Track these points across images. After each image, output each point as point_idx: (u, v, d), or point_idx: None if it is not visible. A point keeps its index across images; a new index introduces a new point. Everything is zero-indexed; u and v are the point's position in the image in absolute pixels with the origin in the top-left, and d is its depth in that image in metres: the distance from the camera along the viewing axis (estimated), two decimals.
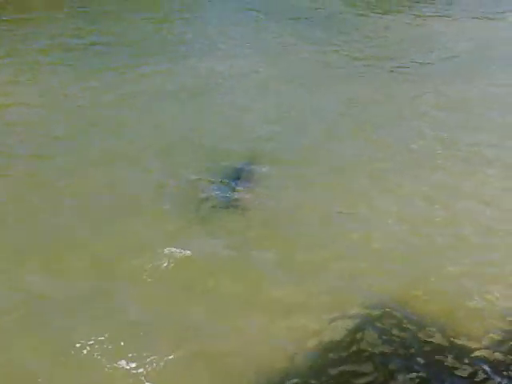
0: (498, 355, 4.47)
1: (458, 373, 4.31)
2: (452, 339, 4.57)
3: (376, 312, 4.80)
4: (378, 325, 4.67)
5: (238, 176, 6.65)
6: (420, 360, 4.37)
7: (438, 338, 4.57)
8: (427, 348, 4.48)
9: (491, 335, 4.66)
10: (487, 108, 9.03)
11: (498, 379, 4.29)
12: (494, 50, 12.24)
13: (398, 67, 10.70)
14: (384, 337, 4.56)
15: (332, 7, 14.84)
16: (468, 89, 9.79)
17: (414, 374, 4.27)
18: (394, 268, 5.34)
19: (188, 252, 5.35)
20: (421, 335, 4.59)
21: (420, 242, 5.72)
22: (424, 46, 12.15)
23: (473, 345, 4.54)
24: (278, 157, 7.17)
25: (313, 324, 4.67)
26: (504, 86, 10.03)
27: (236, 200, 6.27)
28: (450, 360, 4.40)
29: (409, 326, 4.68)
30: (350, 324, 4.68)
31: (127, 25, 12.47)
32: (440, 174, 7.00)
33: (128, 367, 4.26)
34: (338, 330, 4.62)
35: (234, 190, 6.40)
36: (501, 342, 4.59)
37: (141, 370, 4.24)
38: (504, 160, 7.35)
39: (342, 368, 4.30)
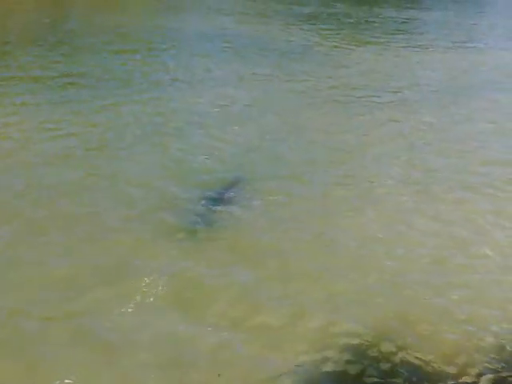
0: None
1: None
2: (437, 366, 4.55)
3: (359, 342, 4.74)
4: (363, 355, 4.62)
5: (220, 201, 6.69)
6: None
7: (422, 366, 4.54)
8: (415, 377, 4.45)
9: (476, 360, 4.63)
10: (456, 134, 9.24)
11: None
12: (463, 79, 12.60)
13: (370, 96, 10.93)
14: (369, 368, 4.49)
15: (307, 40, 15.14)
16: (438, 116, 10.04)
17: None
18: (375, 295, 5.33)
19: (171, 277, 5.33)
20: (408, 365, 4.55)
21: (400, 267, 5.73)
22: (395, 76, 12.46)
23: (459, 370, 4.52)
24: (259, 184, 7.20)
25: (301, 354, 4.60)
26: (472, 113, 10.30)
27: (218, 224, 6.29)
28: None
29: (394, 355, 4.62)
30: (336, 355, 4.59)
31: (105, 57, 12.53)
32: (416, 198, 7.08)
33: None
34: (323, 362, 4.53)
35: (216, 215, 6.43)
36: (489, 369, 4.56)
37: None
38: (475, 184, 7.49)
39: None
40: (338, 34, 16.14)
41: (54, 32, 15.00)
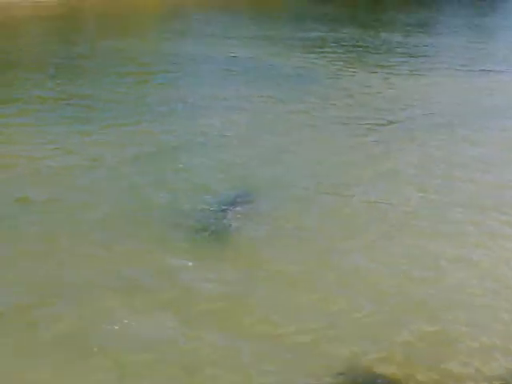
0: None
1: None
2: None
3: (362, 365, 4.62)
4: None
5: (224, 217, 6.77)
6: None
7: None
8: None
9: None
10: (464, 159, 9.02)
11: None
12: (472, 104, 12.36)
13: (375, 118, 10.75)
14: None
15: (313, 64, 15.08)
16: (445, 140, 9.79)
17: None
18: (377, 319, 5.19)
19: (173, 286, 5.47)
20: None
21: (407, 293, 5.57)
22: (401, 100, 12.28)
23: None
24: (264, 203, 7.23)
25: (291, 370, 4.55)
26: (481, 137, 10.06)
27: (221, 238, 6.39)
28: None
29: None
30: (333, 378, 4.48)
31: (111, 80, 12.61)
32: (425, 221, 6.91)
33: None
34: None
35: (221, 230, 6.55)
36: None
37: None
38: (487, 207, 7.29)
39: None
40: (343, 58, 16.08)
41: (63, 55, 15.09)
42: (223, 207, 6.94)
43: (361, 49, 17.70)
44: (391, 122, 10.65)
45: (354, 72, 14.45)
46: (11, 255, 5.88)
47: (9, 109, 10.54)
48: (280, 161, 8.63)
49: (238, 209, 6.95)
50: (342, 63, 15.32)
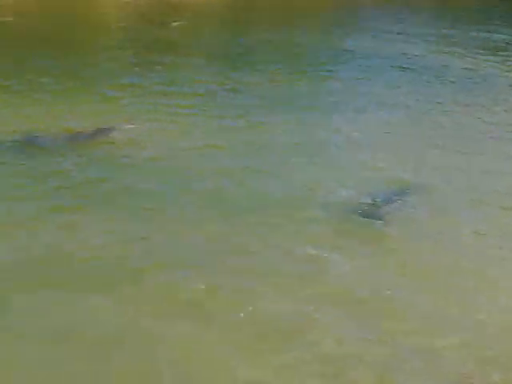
0: None
1: None
2: None
3: None
4: None
5: (381, 211, 6.85)
6: None
7: None
8: None
9: None
10: None
11: None
12: None
13: None
14: None
15: (488, 68, 14.02)
16: None
17: None
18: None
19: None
20: None
21: None
22: None
23: None
24: (409, 208, 7.05)
25: None
26: None
27: (367, 233, 6.50)
28: None
29: None
30: None
31: (273, 75, 12.69)
32: None
33: None
34: None
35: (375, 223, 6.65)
36: None
37: None
38: None
39: None
40: None
41: (229, 44, 15.74)
42: (364, 205, 6.94)
43: None
44: None
45: None
46: (152, 232, 6.34)
47: (167, 89, 11.18)
48: (430, 165, 8.33)
49: (381, 209, 6.87)
50: None
